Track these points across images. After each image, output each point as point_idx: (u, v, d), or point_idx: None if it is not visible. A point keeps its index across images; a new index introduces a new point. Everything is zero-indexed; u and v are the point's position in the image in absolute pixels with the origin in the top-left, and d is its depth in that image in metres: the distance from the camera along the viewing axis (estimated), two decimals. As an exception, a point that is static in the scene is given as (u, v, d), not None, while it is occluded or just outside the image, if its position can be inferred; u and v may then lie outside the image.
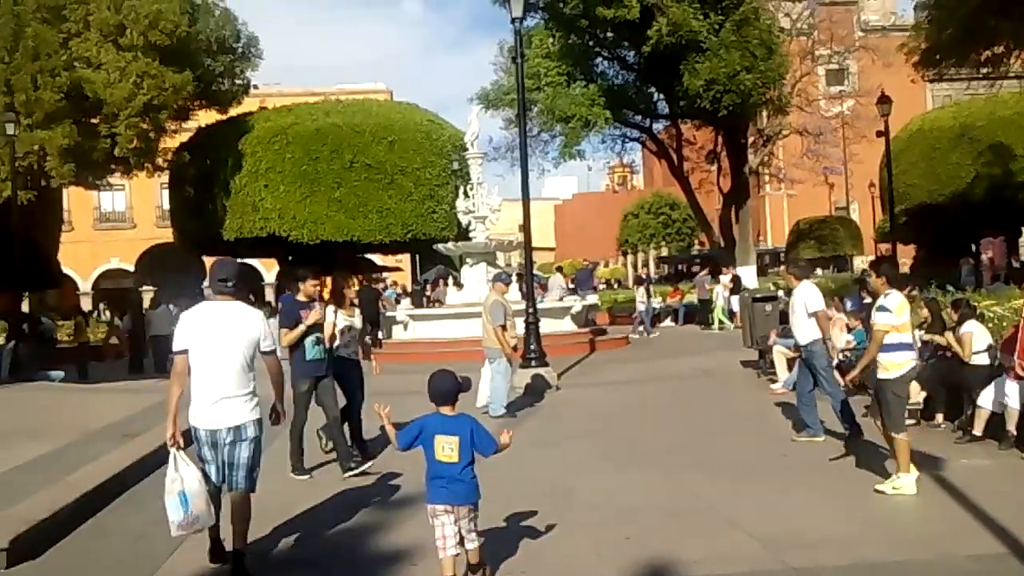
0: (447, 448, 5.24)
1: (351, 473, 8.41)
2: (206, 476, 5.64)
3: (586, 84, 30.54)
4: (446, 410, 5.41)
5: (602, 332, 23.54)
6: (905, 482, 7.07)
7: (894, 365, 7.23)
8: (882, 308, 7.31)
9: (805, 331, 9.53)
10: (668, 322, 29.32)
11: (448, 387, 5.47)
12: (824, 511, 6.75)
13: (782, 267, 31.14)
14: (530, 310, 15.09)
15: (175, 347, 5.74)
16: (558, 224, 72.68)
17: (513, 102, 29.97)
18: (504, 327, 11.65)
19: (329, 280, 9.25)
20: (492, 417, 11.36)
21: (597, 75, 32.09)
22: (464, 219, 23.75)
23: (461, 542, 5.19)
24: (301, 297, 8.68)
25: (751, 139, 33.19)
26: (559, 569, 5.75)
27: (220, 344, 5.65)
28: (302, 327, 8.38)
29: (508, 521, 6.70)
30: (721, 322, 25.20)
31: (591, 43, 31.21)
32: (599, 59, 32.80)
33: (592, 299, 25.86)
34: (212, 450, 5.66)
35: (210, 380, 5.61)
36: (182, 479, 5.48)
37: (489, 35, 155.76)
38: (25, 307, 25.50)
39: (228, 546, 5.75)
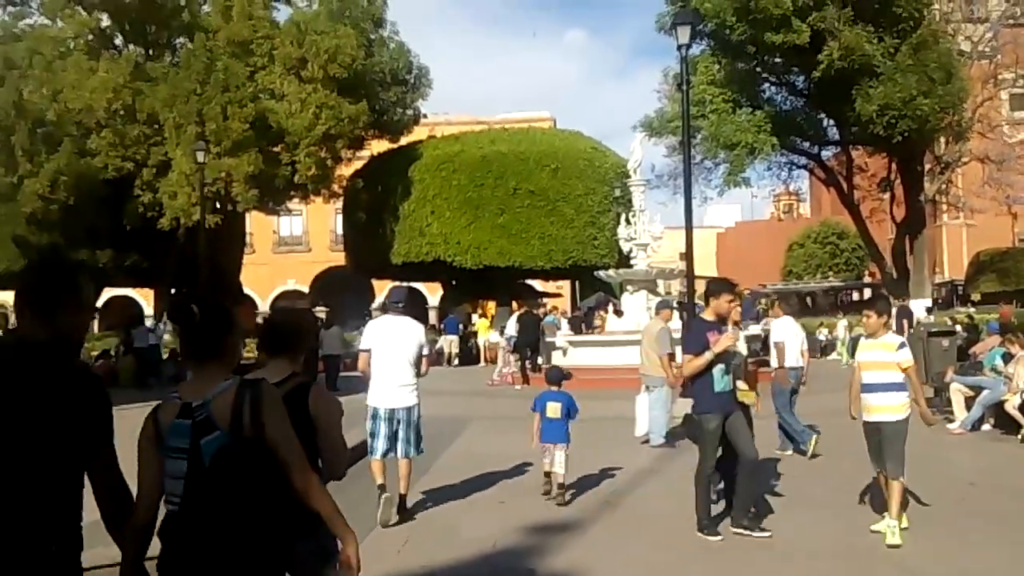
0: (552, 409, 8.34)
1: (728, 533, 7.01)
2: (371, 448, 7.52)
3: (752, 110, 30.10)
4: (554, 388, 8.68)
5: (764, 363, 22.94)
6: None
7: (904, 407, 6.94)
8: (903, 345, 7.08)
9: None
10: (835, 355, 28.35)
11: (557, 375, 9.01)
12: (1001, 562, 6.40)
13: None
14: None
15: (361, 346, 7.78)
16: (720, 252, 71.41)
17: (677, 129, 29.86)
18: (672, 355, 11.53)
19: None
20: (652, 447, 11.30)
21: (764, 101, 31.60)
22: (625, 246, 23.72)
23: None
24: (709, 316, 7.38)
25: (928, 166, 31.85)
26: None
27: (394, 347, 7.53)
28: (709, 354, 6.95)
29: (667, 552, 6.67)
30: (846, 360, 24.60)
31: (758, 69, 30.77)
32: (766, 85, 32.31)
33: (755, 329, 25.27)
34: (387, 424, 7.49)
35: (387, 372, 7.38)
36: None
37: (653, 63, 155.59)
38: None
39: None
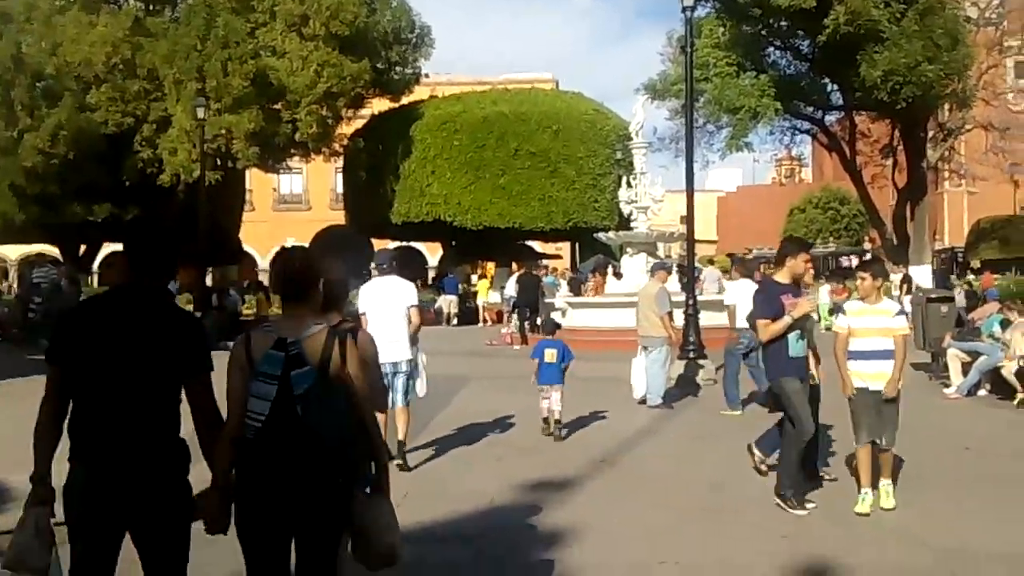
0: (549, 355, 9.59)
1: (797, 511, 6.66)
2: None
3: (756, 74, 29.84)
4: (550, 337, 9.91)
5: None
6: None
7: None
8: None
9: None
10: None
11: (552, 325, 10.54)
12: (999, 525, 6.46)
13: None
14: (690, 302, 14.95)
15: (359, 310, 8.06)
16: (720, 217, 71.34)
17: (680, 92, 29.62)
18: (670, 315, 11.61)
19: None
20: (649, 407, 11.36)
21: (768, 65, 31.30)
22: (626, 209, 23.69)
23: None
24: (782, 278, 7.04)
25: (931, 133, 31.64)
26: (715, 563, 5.74)
27: (384, 306, 8.02)
28: (788, 319, 6.69)
29: (665, 512, 6.75)
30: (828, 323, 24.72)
31: (763, 32, 30.45)
32: (771, 49, 31.97)
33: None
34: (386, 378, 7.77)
35: (381, 329, 7.33)
36: None
37: (657, 25, 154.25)
38: (208, 281, 27.08)
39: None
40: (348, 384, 3.46)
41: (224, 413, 3.52)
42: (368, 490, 3.63)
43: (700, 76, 28.57)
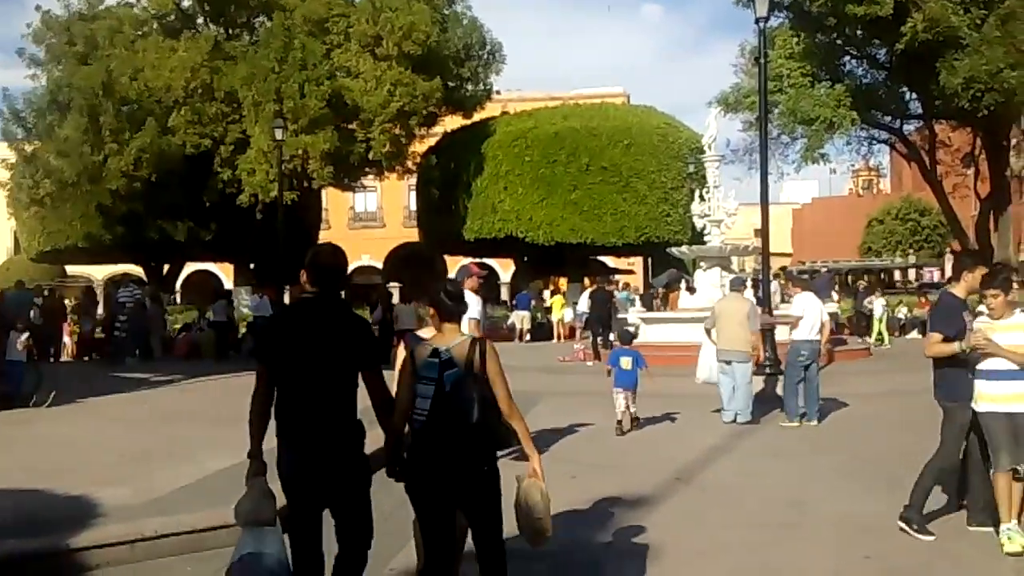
0: (624, 362, 10.70)
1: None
2: None
3: (831, 84, 29.45)
4: (626, 347, 11.07)
5: (841, 342, 22.59)
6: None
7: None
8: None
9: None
10: (915, 334, 27.72)
11: (628, 336, 11.78)
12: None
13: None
14: (767, 316, 14.77)
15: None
16: (796, 229, 70.22)
17: (753, 104, 29.34)
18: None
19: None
20: (739, 424, 11.29)
21: (844, 75, 30.90)
22: (699, 223, 23.48)
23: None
24: (959, 292, 6.63)
25: (1014, 141, 30.83)
26: (796, 582, 5.67)
27: None
28: (957, 346, 6.21)
29: (742, 529, 6.67)
30: (880, 337, 24.07)
31: (838, 41, 30.09)
32: (846, 58, 31.59)
33: (832, 307, 24.86)
34: None
35: None
36: None
37: (729, 37, 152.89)
38: (286, 299, 27.56)
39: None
40: (487, 381, 4.28)
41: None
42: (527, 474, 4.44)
43: (774, 87, 28.31)
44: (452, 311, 4.46)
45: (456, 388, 4.20)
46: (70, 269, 47.80)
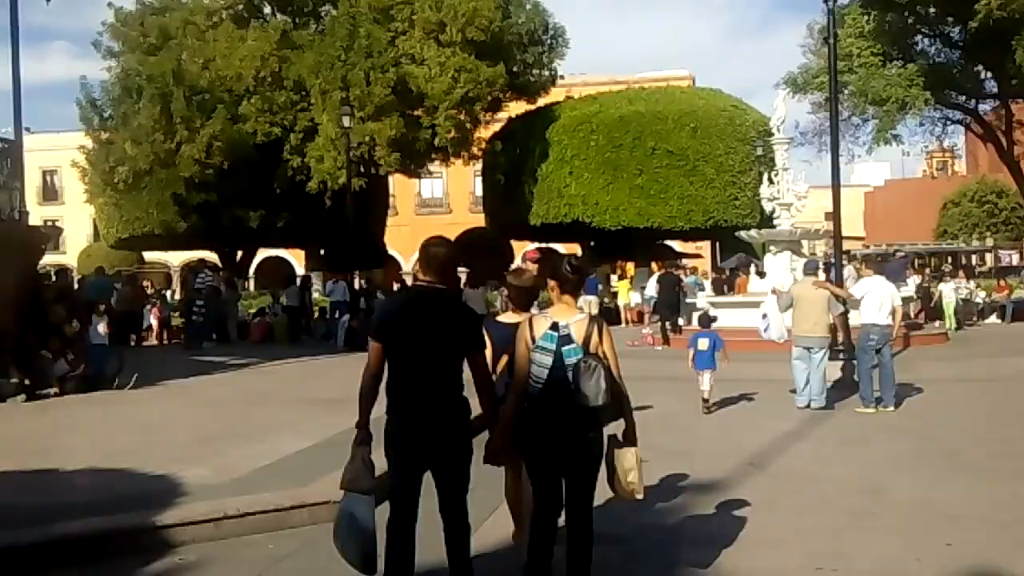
0: (702, 344, 11.12)
1: None
2: None
3: (903, 64, 28.83)
4: (704, 329, 11.47)
5: (917, 327, 22.16)
6: None
7: None
8: None
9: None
10: (993, 318, 27.06)
11: (706, 319, 11.87)
12: None
13: None
14: (842, 301, 14.55)
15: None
16: (868, 212, 68.80)
17: (822, 85, 28.91)
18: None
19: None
20: (813, 409, 11.19)
21: (916, 54, 30.21)
22: (768, 206, 23.22)
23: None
24: None
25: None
26: (873, 570, 5.59)
27: None
28: None
29: (819, 516, 6.62)
30: (956, 323, 23.65)
31: (910, 20, 29.39)
32: (919, 37, 30.85)
33: (906, 291, 24.38)
34: None
35: None
36: None
37: (797, 17, 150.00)
38: (356, 285, 27.91)
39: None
40: (603, 357, 4.59)
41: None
42: (621, 438, 4.84)
43: (844, 67, 27.78)
44: (575, 284, 4.84)
45: (576, 365, 4.53)
46: (147, 255, 49.01)
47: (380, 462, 4.59)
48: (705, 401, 11.23)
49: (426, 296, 4.66)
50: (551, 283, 4.89)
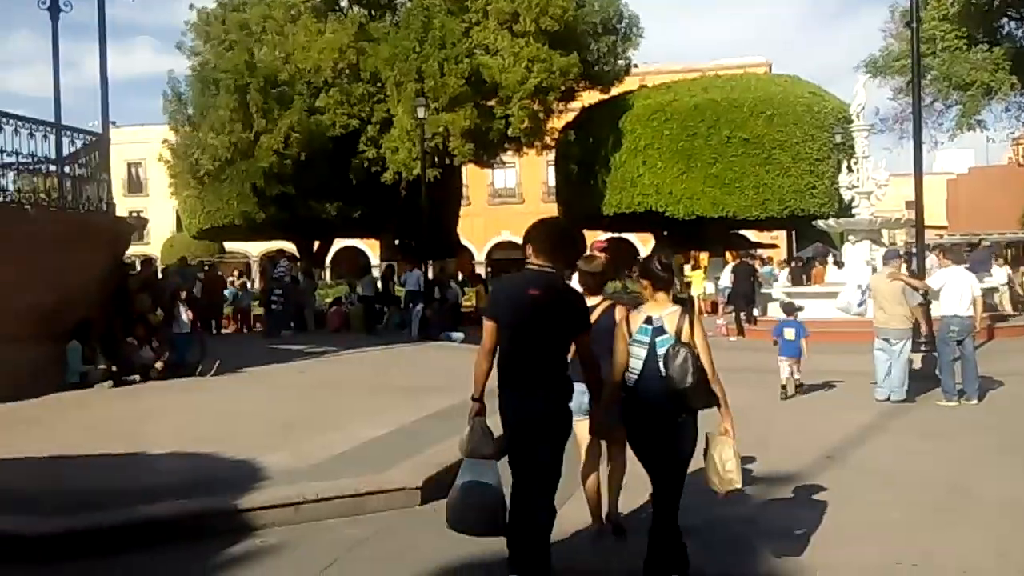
0: (788, 333, 11.59)
1: None
2: None
3: (989, 47, 27.95)
4: (790, 318, 11.97)
5: (1002, 318, 21.53)
6: None
7: None
8: None
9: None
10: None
11: (791, 307, 12.41)
12: None
13: None
14: (922, 291, 14.24)
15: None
16: (951, 200, 66.85)
17: (904, 70, 28.22)
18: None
19: None
20: (893, 402, 11.01)
21: (1002, 37, 29.29)
22: (847, 195, 22.79)
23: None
24: None
25: None
26: (954, 566, 5.48)
27: None
28: None
29: (898, 511, 6.50)
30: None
31: (996, 2, 28.43)
32: (1004, 19, 29.88)
33: (992, 281, 23.68)
34: None
35: None
36: None
37: (878, 0, 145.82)
38: (431, 274, 28.15)
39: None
40: (694, 347, 4.90)
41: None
42: (719, 431, 5.11)
43: (927, 51, 27.08)
44: (666, 281, 5.14)
45: (665, 352, 4.87)
46: (228, 246, 50.14)
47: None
48: (784, 388, 11.50)
49: (538, 279, 4.92)
50: (643, 282, 5.21)
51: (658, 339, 4.92)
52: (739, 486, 5.13)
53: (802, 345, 11.49)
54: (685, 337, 4.91)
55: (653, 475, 5.07)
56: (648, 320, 4.99)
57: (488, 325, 4.92)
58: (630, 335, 5.01)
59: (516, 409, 4.83)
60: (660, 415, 4.90)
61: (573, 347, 5.00)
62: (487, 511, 4.88)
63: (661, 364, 4.85)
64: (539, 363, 4.83)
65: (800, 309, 12.61)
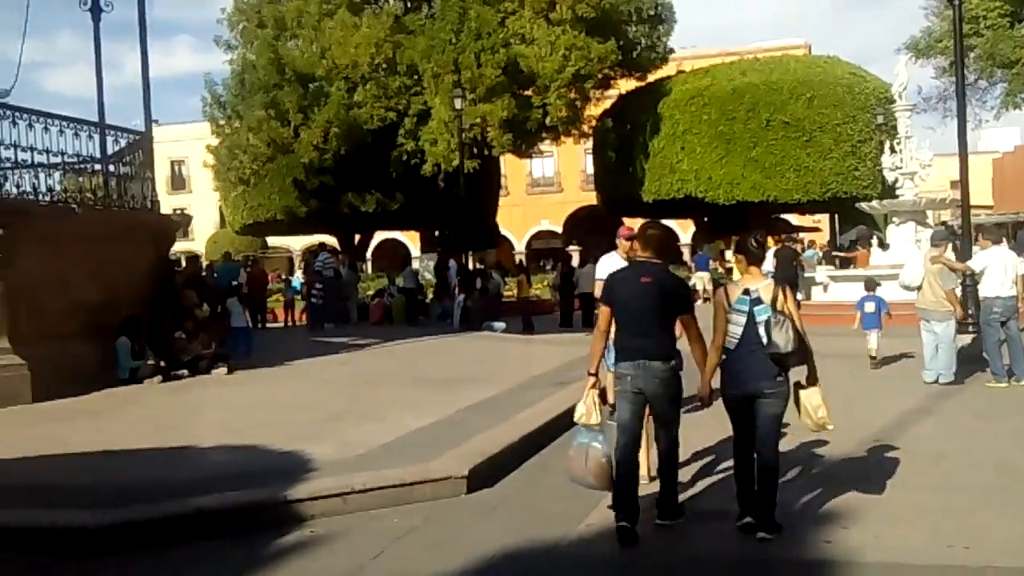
0: (869, 307, 12.53)
1: None
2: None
3: (1035, 23, 27.34)
4: (870, 293, 12.72)
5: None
6: None
7: None
8: None
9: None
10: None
11: (871, 283, 13.10)
12: None
13: None
14: (966, 273, 14.04)
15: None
16: (996, 179, 65.61)
17: (946, 49, 27.77)
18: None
19: None
20: (942, 384, 10.91)
21: (1049, 12, 28.57)
22: (890, 176, 22.50)
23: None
24: None
25: None
26: (1005, 549, 5.40)
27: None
28: None
29: (948, 493, 6.44)
30: None
31: (1043, -23, 27.83)
32: (1052, -6, 29.13)
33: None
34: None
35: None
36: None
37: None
38: (470, 266, 28.22)
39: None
40: (789, 314, 5.56)
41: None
42: (804, 382, 5.76)
43: (970, 30, 26.62)
44: (758, 256, 5.89)
45: (764, 320, 5.52)
46: (271, 240, 50.68)
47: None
48: (873, 358, 12.35)
49: (646, 269, 5.82)
50: (737, 256, 6.07)
51: (756, 308, 5.59)
52: (831, 427, 5.90)
53: (882, 318, 12.34)
54: (780, 306, 5.57)
55: (749, 432, 5.73)
56: (746, 292, 5.65)
57: (603, 310, 5.88)
58: (729, 305, 5.67)
59: (630, 378, 5.68)
60: (759, 374, 5.55)
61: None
62: (600, 468, 5.73)
63: (761, 330, 5.50)
64: (648, 339, 5.66)
65: (879, 284, 13.27)
